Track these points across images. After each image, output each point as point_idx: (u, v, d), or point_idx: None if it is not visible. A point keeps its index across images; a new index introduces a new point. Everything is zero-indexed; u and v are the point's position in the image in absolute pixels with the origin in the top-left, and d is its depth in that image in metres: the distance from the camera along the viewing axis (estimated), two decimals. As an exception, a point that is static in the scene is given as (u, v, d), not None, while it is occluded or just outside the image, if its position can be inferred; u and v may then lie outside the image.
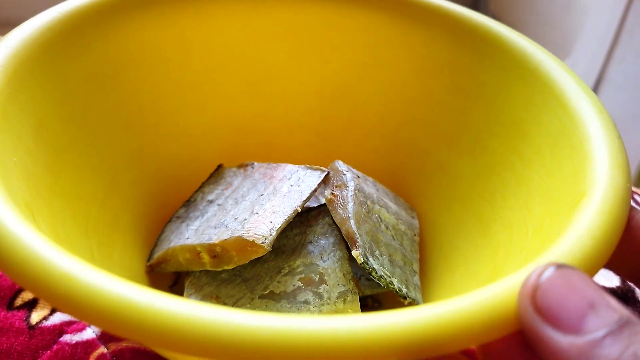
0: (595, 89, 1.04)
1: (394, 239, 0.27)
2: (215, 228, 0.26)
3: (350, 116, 0.33)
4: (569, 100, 0.24)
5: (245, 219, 0.25)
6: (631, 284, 0.33)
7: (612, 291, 0.32)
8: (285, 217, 0.25)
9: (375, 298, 0.29)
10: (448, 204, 0.30)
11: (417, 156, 0.32)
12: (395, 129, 0.33)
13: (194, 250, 0.25)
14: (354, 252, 0.24)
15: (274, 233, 0.24)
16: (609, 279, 0.33)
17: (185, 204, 0.30)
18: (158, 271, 0.28)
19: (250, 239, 0.24)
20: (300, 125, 0.33)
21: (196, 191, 0.30)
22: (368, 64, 0.32)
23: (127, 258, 0.27)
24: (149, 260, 0.28)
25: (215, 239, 0.25)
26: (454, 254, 0.28)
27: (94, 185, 0.26)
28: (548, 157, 0.24)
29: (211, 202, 0.29)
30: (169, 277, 0.29)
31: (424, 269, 0.30)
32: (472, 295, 0.15)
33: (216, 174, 0.31)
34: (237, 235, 0.24)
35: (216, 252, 0.25)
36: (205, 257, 0.25)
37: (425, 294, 0.28)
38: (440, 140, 0.31)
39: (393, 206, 0.29)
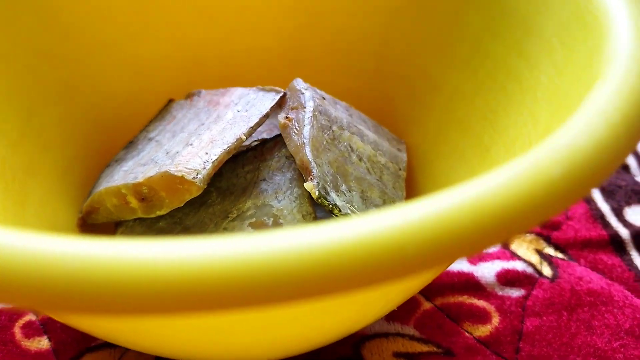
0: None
1: (369, 172, 0.22)
2: (143, 165, 0.21)
3: (327, 34, 0.28)
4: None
5: (177, 152, 0.20)
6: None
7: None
8: (225, 147, 0.20)
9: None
10: (444, 130, 0.24)
11: (407, 76, 0.26)
12: (379, 45, 0.27)
13: (119, 193, 0.21)
14: (307, 185, 0.19)
15: (208, 166, 0.19)
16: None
17: (127, 145, 0.25)
18: (91, 223, 0.23)
19: (179, 174, 0.19)
20: (266, 50, 0.28)
21: (141, 130, 0.26)
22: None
23: (49, 209, 0.22)
24: (81, 211, 0.24)
25: (140, 178, 0.20)
26: (449, 186, 0.23)
27: (4, 123, 0.21)
28: (558, 50, 0.18)
29: (151, 139, 0.24)
30: (109, 229, 0.24)
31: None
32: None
33: (165, 109, 0.26)
34: (164, 170, 0.19)
35: (143, 193, 0.20)
36: (133, 201, 0.21)
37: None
38: (433, 53, 0.25)
39: (371, 135, 0.23)
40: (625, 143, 0.11)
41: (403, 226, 0.09)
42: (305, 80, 0.27)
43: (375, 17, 0.26)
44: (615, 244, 0.26)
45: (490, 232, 0.09)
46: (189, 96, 0.25)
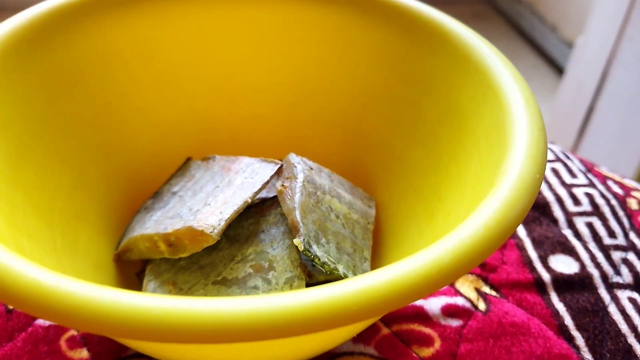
0: (607, 67, 1.02)
1: (344, 227, 0.29)
2: (171, 218, 0.27)
3: (315, 109, 0.34)
4: (503, 93, 0.25)
5: (198, 210, 0.27)
6: (590, 270, 0.33)
7: (570, 277, 0.33)
8: (235, 208, 0.26)
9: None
10: (404, 194, 0.31)
11: (378, 147, 0.33)
12: (357, 121, 0.34)
13: (151, 239, 0.27)
14: (295, 240, 0.25)
15: (222, 223, 0.26)
16: (568, 265, 0.34)
17: (153, 195, 0.31)
18: (124, 259, 0.29)
19: (200, 228, 0.26)
20: (266, 119, 0.35)
21: (164, 183, 0.32)
22: (331, 59, 0.33)
23: (93, 247, 0.29)
24: (116, 248, 0.30)
25: (170, 229, 0.26)
26: (405, 241, 0.29)
27: (60, 179, 0.28)
28: (484, 147, 0.25)
29: (175, 193, 0.30)
30: (137, 264, 0.31)
31: (380, 254, 0.31)
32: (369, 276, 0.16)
33: (184, 167, 0.32)
34: (188, 225, 0.26)
35: (171, 241, 0.27)
36: (162, 246, 0.27)
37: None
38: (398, 132, 0.32)
39: (347, 196, 0.30)
40: (496, 241, 0.18)
41: (331, 299, 0.15)
42: (296, 146, 0.33)
43: (354, 98, 0.33)
44: (538, 286, 0.33)
45: (404, 297, 0.16)
46: (205, 159, 0.31)
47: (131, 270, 0.30)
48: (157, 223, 0.28)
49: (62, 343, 0.28)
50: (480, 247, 0.17)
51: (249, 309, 0.15)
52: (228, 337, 0.14)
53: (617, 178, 0.42)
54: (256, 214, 0.29)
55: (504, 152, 0.22)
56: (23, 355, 0.28)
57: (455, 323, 0.30)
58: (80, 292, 0.15)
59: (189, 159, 0.33)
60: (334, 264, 0.27)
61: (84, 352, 0.28)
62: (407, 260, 0.17)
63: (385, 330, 0.30)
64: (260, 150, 0.34)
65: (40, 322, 0.29)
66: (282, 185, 0.28)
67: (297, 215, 0.26)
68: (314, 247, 0.26)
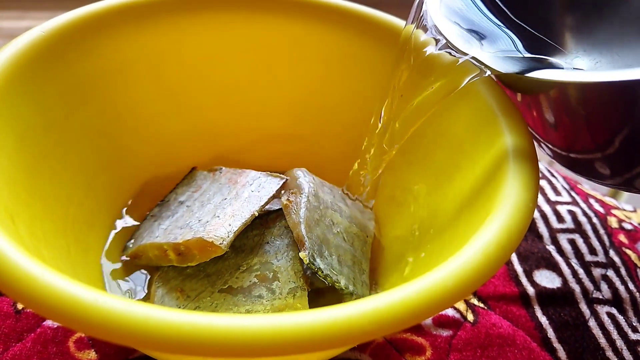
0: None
1: (344, 240, 0.30)
2: (181, 228, 0.29)
3: (318, 124, 0.36)
4: (500, 123, 0.26)
5: (207, 222, 0.28)
6: (571, 286, 0.35)
7: (553, 292, 0.35)
8: (243, 220, 0.28)
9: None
10: (400, 211, 0.33)
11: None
12: (358, 136, 0.35)
13: (161, 248, 0.28)
14: (301, 254, 0.27)
15: (231, 235, 0.27)
16: (552, 280, 0.36)
17: (160, 203, 0.33)
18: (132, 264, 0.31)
19: (210, 240, 0.27)
20: (270, 131, 0.36)
21: (170, 192, 0.33)
22: (334, 76, 0.35)
23: (103, 253, 0.30)
24: (122, 253, 0.31)
25: (179, 239, 0.28)
26: (403, 258, 0.31)
27: (73, 188, 0.29)
28: (479, 172, 0.27)
29: (182, 203, 0.31)
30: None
31: (378, 267, 0.32)
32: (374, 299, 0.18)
33: (189, 176, 0.33)
34: (199, 236, 0.27)
35: (180, 250, 0.28)
36: (171, 255, 0.28)
37: (376, 290, 0.31)
38: (397, 150, 0.33)
39: (347, 210, 0.32)
40: (495, 266, 0.19)
41: (335, 321, 0.17)
42: (298, 158, 0.35)
43: (355, 114, 0.35)
44: (523, 299, 0.35)
45: (410, 318, 0.17)
46: (212, 170, 0.32)
47: (137, 276, 0.32)
48: (167, 232, 0.29)
49: (71, 344, 0.29)
50: (480, 271, 0.19)
51: (275, 326, 0.16)
52: (255, 352, 0.16)
53: (599, 196, 0.44)
54: (261, 225, 0.30)
55: (500, 182, 0.24)
56: (32, 355, 0.29)
57: (445, 333, 0.32)
58: (115, 307, 0.16)
59: (194, 169, 0.34)
60: (336, 276, 0.28)
61: (92, 354, 0.29)
62: (410, 285, 0.18)
63: (379, 339, 0.32)
64: (263, 161, 0.35)
65: (49, 323, 0.30)
66: (288, 199, 0.29)
67: (303, 229, 0.28)
68: (318, 260, 0.27)
